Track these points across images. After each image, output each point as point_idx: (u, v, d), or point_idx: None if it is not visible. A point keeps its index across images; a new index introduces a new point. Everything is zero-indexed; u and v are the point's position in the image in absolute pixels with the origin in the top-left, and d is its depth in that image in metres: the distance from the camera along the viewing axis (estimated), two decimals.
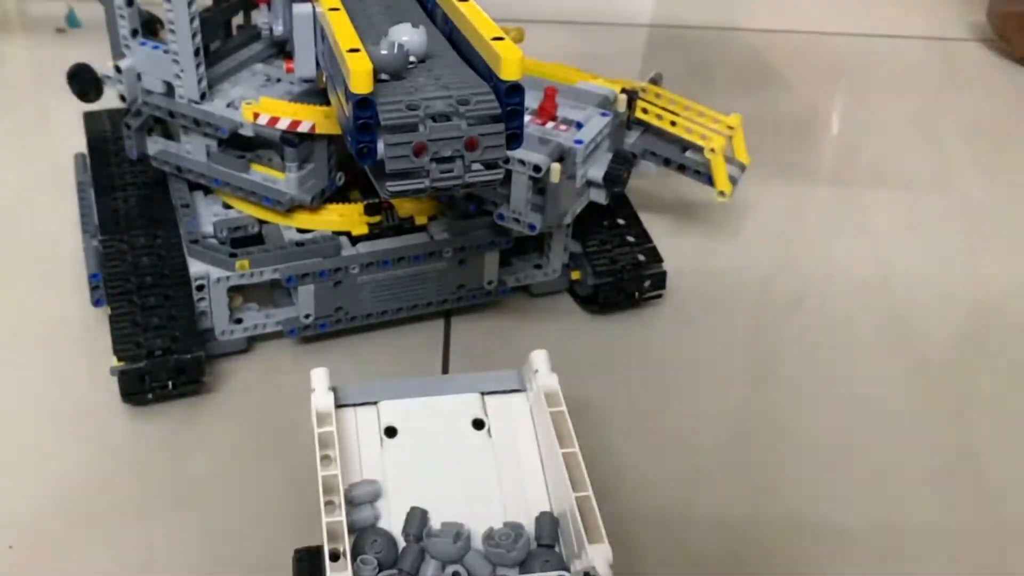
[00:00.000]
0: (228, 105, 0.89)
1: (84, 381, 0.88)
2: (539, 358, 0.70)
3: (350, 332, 0.95)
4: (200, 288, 0.88)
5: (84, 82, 0.93)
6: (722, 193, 1.01)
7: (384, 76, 0.63)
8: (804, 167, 1.31)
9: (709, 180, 1.02)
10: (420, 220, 0.94)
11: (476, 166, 0.63)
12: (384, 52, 0.63)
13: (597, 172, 0.92)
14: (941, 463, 0.87)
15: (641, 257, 1.00)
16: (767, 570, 0.78)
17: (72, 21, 1.52)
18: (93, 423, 0.86)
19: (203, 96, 0.89)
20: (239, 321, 0.92)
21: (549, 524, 0.62)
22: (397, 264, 0.92)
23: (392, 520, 0.63)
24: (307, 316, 0.91)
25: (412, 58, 0.65)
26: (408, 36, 0.65)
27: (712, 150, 1.00)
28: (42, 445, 0.84)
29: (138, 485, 0.81)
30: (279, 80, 0.93)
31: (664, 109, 1.02)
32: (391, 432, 0.68)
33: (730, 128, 1.03)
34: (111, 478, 0.81)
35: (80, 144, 1.07)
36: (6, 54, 1.50)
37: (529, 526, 0.62)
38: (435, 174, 0.62)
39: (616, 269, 0.98)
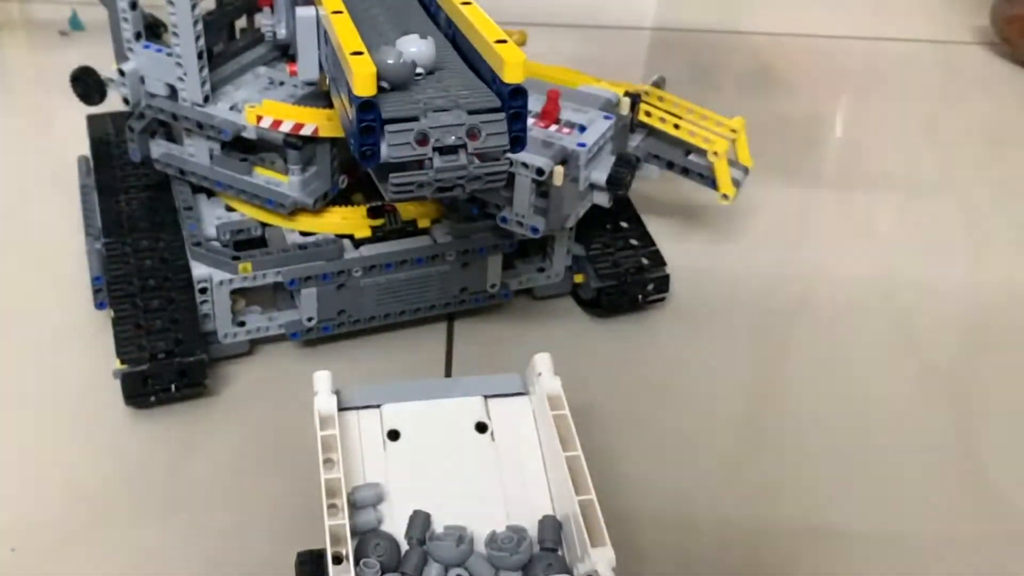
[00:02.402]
0: (231, 108, 0.89)
1: (87, 384, 0.89)
2: (542, 361, 0.70)
3: (353, 335, 0.95)
4: (203, 291, 0.88)
5: (87, 85, 0.93)
6: (725, 196, 1.01)
7: (386, 85, 0.63)
8: (807, 170, 1.31)
9: (712, 183, 1.02)
10: (423, 223, 0.94)
11: (479, 167, 0.63)
12: (390, 61, 0.62)
13: (600, 175, 0.92)
14: (945, 466, 0.87)
15: (644, 260, 1.00)
16: (771, 574, 0.77)
17: (75, 24, 1.52)
18: (96, 426, 0.86)
19: (206, 99, 0.89)
20: (242, 324, 0.92)
21: (552, 527, 0.62)
22: (400, 267, 0.92)
23: (395, 523, 0.62)
24: (310, 319, 0.91)
25: (420, 69, 0.65)
26: (416, 48, 0.65)
27: (715, 153, 1.00)
28: (45, 448, 0.84)
29: (141, 488, 0.81)
30: (282, 83, 0.93)
31: (667, 112, 1.02)
32: (394, 435, 0.68)
33: (733, 131, 1.03)
34: (113, 481, 0.81)
35: (83, 147, 1.07)
36: (9, 57, 1.50)
37: (532, 529, 0.62)
38: (438, 163, 0.62)
39: (619, 272, 0.98)
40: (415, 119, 0.61)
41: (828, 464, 0.87)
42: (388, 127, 0.60)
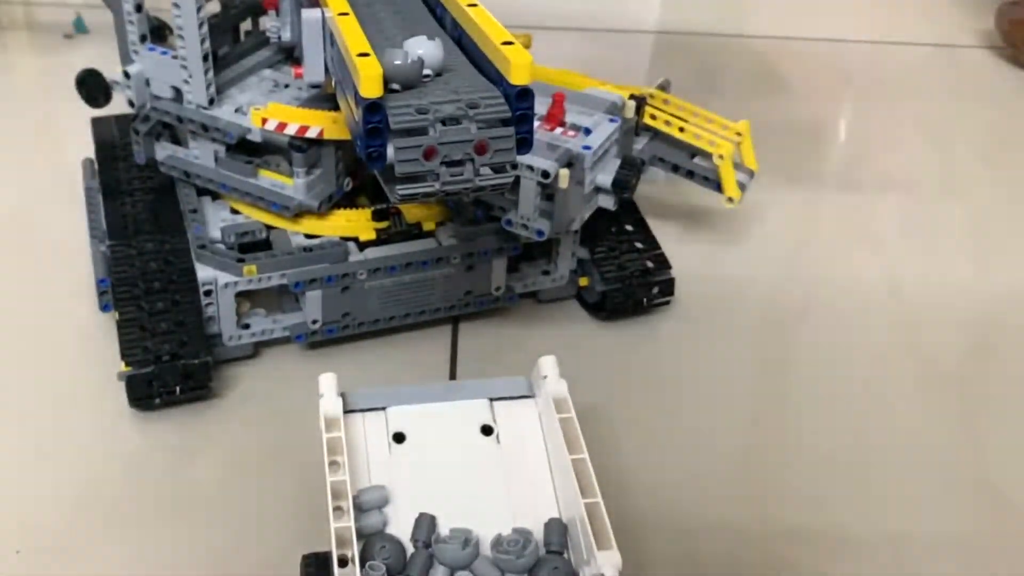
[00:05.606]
0: (236, 111, 0.89)
1: (91, 386, 0.88)
2: (548, 364, 0.70)
3: (358, 338, 0.95)
4: (208, 293, 0.88)
5: (92, 87, 0.93)
6: (730, 199, 1.01)
7: (396, 87, 0.63)
8: (812, 173, 1.31)
9: (717, 186, 1.02)
10: (428, 226, 0.94)
11: (485, 170, 0.63)
12: (398, 62, 0.62)
13: (605, 178, 0.92)
14: (950, 471, 0.87)
15: (649, 263, 1.00)
16: None
17: (80, 27, 1.52)
18: (100, 428, 0.85)
19: (211, 102, 0.89)
20: (246, 326, 0.92)
21: (558, 530, 0.62)
22: (405, 270, 0.91)
23: (400, 526, 0.62)
24: (314, 322, 0.91)
25: (427, 71, 0.64)
26: (424, 49, 0.64)
27: (720, 156, 1.00)
28: (49, 450, 0.84)
29: (145, 490, 0.81)
30: (287, 86, 0.93)
31: (672, 115, 1.02)
32: (399, 438, 0.68)
33: (738, 134, 1.03)
34: (118, 483, 0.81)
35: (88, 149, 1.07)
36: (14, 60, 1.50)
37: (538, 532, 0.62)
38: (445, 177, 0.62)
39: (624, 275, 0.98)
40: (424, 132, 0.60)
41: (834, 467, 0.86)
42: (396, 140, 0.60)
